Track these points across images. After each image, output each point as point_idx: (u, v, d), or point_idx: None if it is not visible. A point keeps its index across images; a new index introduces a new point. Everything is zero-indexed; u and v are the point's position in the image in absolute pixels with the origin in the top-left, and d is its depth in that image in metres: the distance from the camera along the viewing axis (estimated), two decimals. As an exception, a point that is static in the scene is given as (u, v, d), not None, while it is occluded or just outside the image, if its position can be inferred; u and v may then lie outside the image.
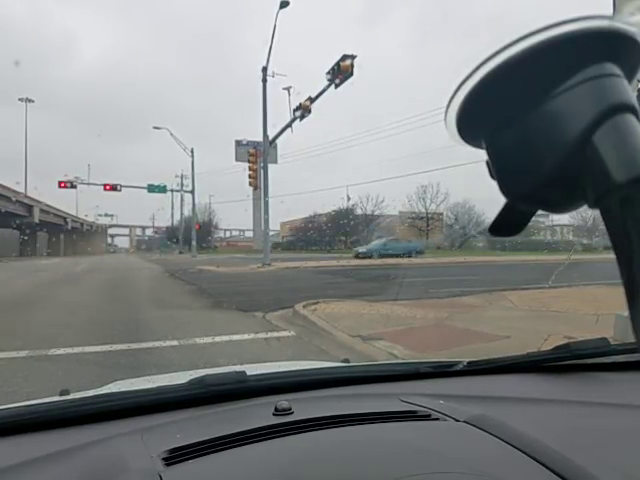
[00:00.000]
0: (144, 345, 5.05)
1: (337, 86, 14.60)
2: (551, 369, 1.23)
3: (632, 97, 0.34)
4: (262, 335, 5.58)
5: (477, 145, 0.38)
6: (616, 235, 0.33)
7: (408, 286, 10.32)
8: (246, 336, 5.50)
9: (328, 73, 14.58)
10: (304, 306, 6.82)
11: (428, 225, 46.01)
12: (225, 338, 5.34)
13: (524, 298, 7.77)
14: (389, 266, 16.89)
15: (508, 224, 0.39)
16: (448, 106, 0.36)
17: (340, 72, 14.17)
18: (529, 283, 9.68)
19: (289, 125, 16.99)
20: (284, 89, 16.73)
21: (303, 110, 15.84)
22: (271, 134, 18.94)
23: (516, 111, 0.35)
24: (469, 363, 1.25)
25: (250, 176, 19.18)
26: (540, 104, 0.34)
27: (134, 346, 4.98)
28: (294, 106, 16.33)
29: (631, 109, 0.34)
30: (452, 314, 6.31)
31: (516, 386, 1.18)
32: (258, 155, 18.90)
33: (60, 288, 12.02)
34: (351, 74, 14.23)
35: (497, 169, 0.37)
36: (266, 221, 18.68)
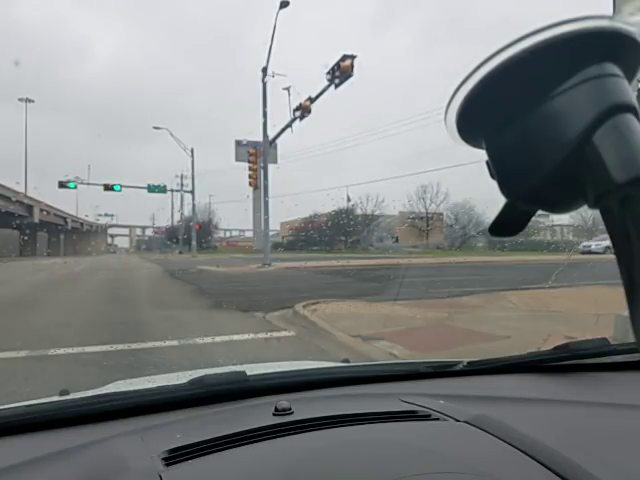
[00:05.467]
0: (144, 345, 5.04)
1: (337, 86, 14.59)
2: (551, 369, 1.23)
3: (632, 97, 0.34)
4: (262, 335, 5.57)
5: (477, 145, 0.38)
6: (616, 235, 0.34)
7: (408, 286, 10.31)
8: (246, 336, 5.50)
9: (328, 73, 14.58)
10: (304, 306, 6.83)
11: (428, 225, 45.97)
12: (225, 338, 5.33)
13: (524, 298, 7.76)
14: (389, 266, 16.87)
15: (508, 224, 0.39)
16: (448, 106, 0.36)
17: (340, 72, 14.16)
18: (529, 283, 9.67)
19: (289, 125, 17.04)
20: (284, 89, 16.76)
21: (303, 110, 15.84)
22: (271, 134, 18.96)
23: (516, 111, 0.35)
24: (469, 363, 1.24)
25: (250, 176, 19.20)
26: (540, 104, 0.34)
27: (134, 346, 4.97)
28: (294, 106, 16.39)
29: (631, 109, 0.34)
30: (452, 314, 6.31)
31: (516, 386, 1.18)
32: (258, 155, 18.92)
33: (60, 288, 12.01)
34: (351, 74, 14.21)
35: (497, 169, 0.37)
36: (266, 221, 18.69)
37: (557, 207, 0.37)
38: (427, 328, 5.58)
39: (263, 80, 17.83)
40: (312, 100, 15.76)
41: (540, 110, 0.34)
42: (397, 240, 46.24)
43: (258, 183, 18.84)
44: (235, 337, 5.41)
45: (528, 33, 0.33)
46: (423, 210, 47.01)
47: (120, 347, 4.89)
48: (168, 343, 5.11)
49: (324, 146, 66.63)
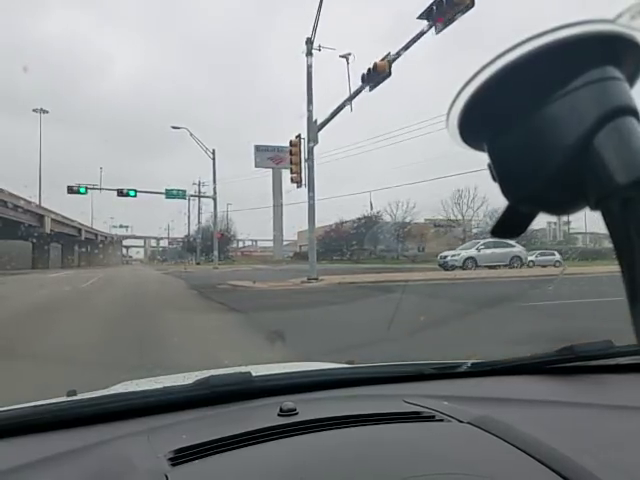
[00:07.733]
0: None
1: (439, 31, 10.52)
2: (555, 371, 1.24)
3: (633, 100, 0.34)
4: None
5: (479, 148, 0.38)
6: (617, 237, 0.34)
7: (545, 316, 7.00)
8: None
9: (422, 16, 10.54)
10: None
11: (464, 233, 42.58)
12: None
13: None
14: (472, 280, 13.69)
15: (510, 226, 0.39)
16: (450, 109, 0.36)
17: (448, 8, 9.99)
18: None
19: (353, 96, 12.99)
20: (341, 57, 13.45)
21: (378, 73, 11.95)
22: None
23: (518, 114, 0.35)
24: (473, 365, 1.26)
25: (292, 170, 15.86)
26: (542, 107, 0.34)
27: None
28: (362, 74, 12.49)
29: (632, 112, 0.34)
30: None
31: (520, 388, 1.19)
32: (299, 147, 15.69)
33: (65, 309, 9.30)
34: (472, 4, 9.81)
35: (499, 172, 0.37)
36: (311, 220, 15.28)
37: (558, 209, 0.37)
38: None
39: (308, 53, 14.45)
40: (392, 60, 11.75)
41: (541, 113, 0.34)
42: (423, 249, 42.92)
43: (302, 178, 15.55)
44: None
45: (530, 37, 0.33)
46: (459, 216, 43.81)
47: None
48: None
49: (348, 150, 63.93)
